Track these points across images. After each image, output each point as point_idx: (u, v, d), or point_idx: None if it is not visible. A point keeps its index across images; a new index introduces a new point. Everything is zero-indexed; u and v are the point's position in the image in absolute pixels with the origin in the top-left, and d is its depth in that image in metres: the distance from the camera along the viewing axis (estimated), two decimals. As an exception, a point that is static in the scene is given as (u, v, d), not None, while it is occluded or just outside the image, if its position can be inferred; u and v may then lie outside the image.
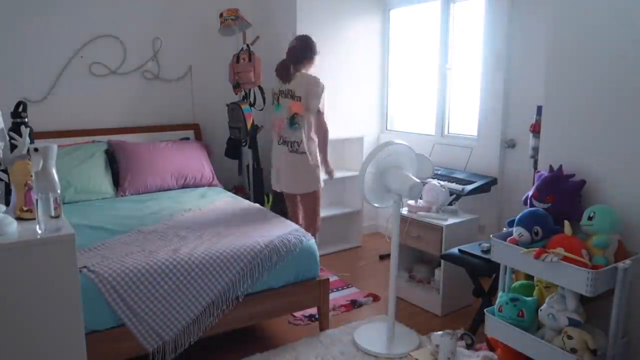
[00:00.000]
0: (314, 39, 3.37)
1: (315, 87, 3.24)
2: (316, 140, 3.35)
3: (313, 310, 3.03)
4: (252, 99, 4.19)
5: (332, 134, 4.43)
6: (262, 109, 4.15)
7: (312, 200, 3.40)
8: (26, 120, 2.00)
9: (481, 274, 2.67)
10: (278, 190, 3.51)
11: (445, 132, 4.11)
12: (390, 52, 4.59)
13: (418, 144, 3.77)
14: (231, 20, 3.93)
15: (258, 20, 4.59)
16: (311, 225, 3.41)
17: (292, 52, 3.33)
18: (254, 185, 4.23)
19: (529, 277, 2.32)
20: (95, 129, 3.98)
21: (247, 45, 4.00)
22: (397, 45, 4.54)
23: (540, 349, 2.04)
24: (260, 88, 4.13)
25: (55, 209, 1.65)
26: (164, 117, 4.31)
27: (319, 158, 3.37)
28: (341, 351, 2.68)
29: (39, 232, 1.65)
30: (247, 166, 4.28)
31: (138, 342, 2.29)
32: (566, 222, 2.04)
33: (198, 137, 4.39)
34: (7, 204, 1.86)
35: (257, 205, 3.50)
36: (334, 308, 3.17)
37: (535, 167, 2.96)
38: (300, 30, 4.11)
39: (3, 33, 3.61)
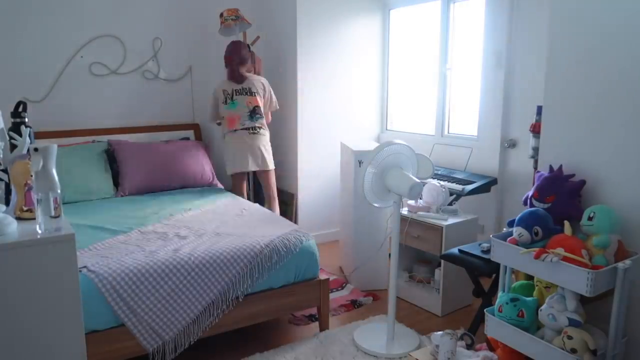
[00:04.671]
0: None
1: (269, 87, 3.90)
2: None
3: (313, 310, 3.04)
4: None
5: (332, 134, 4.44)
6: None
7: (271, 177, 3.89)
8: (26, 120, 2.00)
9: (481, 274, 2.67)
10: (238, 171, 3.83)
11: (445, 132, 4.11)
12: (390, 52, 4.59)
13: (418, 144, 3.77)
14: (231, 21, 3.94)
15: (258, 20, 4.59)
16: (272, 201, 3.93)
17: (235, 59, 3.77)
18: (254, 184, 4.24)
19: (529, 277, 2.32)
20: (95, 129, 3.98)
21: (248, 46, 4.00)
22: (397, 45, 4.54)
23: (540, 349, 2.04)
24: None
25: (55, 209, 1.65)
26: (164, 117, 4.31)
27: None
28: (341, 351, 2.69)
29: (39, 232, 1.64)
30: None
31: (138, 342, 2.29)
32: (566, 222, 2.04)
33: (198, 137, 4.39)
34: (7, 204, 1.86)
35: (257, 205, 3.50)
36: (334, 308, 3.17)
37: (535, 167, 2.96)
38: (300, 30, 4.12)
39: (3, 33, 3.62)
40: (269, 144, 3.88)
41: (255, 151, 3.78)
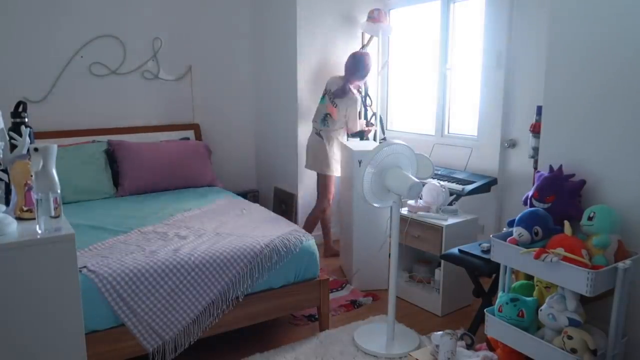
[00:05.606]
0: (366, 58, 3.87)
1: (353, 105, 3.86)
2: (338, 139, 3.92)
3: (313, 310, 3.04)
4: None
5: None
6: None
7: (324, 182, 3.95)
8: (26, 120, 2.00)
9: (481, 274, 2.67)
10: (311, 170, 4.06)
11: (445, 132, 4.11)
12: (390, 52, 4.59)
13: (418, 144, 3.77)
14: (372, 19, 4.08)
15: (257, 21, 4.60)
16: (321, 202, 3.99)
17: (345, 68, 3.92)
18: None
19: (529, 277, 2.32)
20: (95, 129, 3.98)
21: (362, 46, 4.19)
22: (397, 45, 4.54)
23: (540, 349, 2.04)
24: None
25: (55, 209, 1.65)
26: (164, 117, 4.31)
27: (335, 153, 3.91)
28: (341, 351, 2.69)
29: (39, 232, 1.64)
30: None
31: (138, 342, 2.29)
32: (566, 222, 2.04)
33: (198, 137, 4.39)
34: (7, 204, 1.86)
35: (257, 205, 3.50)
36: (333, 308, 3.17)
37: (535, 167, 2.96)
38: (300, 30, 4.12)
39: (3, 33, 3.62)
40: (332, 150, 3.90)
41: (314, 152, 3.94)
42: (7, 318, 1.61)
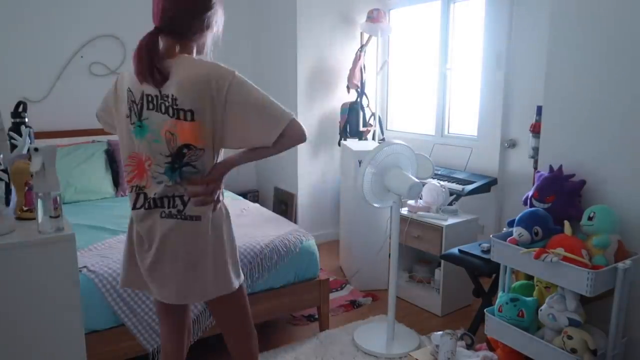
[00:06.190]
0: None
1: (234, 83, 1.54)
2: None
3: (313, 310, 3.04)
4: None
5: (332, 134, 4.37)
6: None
7: (236, 305, 1.72)
8: (26, 120, 2.00)
9: (481, 274, 2.67)
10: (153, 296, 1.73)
11: (445, 132, 4.11)
12: (390, 52, 4.59)
13: (418, 144, 3.77)
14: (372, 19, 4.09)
15: (257, 21, 4.60)
16: (243, 346, 1.77)
17: (163, 18, 1.66)
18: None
19: (529, 277, 2.32)
20: (95, 129, 3.97)
21: (361, 46, 4.18)
22: (397, 45, 4.54)
23: (540, 349, 2.04)
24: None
25: (55, 208, 1.65)
26: (164, 117, 4.30)
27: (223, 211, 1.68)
28: (341, 351, 2.68)
29: (39, 232, 1.65)
30: None
31: (138, 342, 2.29)
32: (566, 222, 2.04)
33: (198, 137, 4.38)
34: (7, 204, 1.86)
35: (257, 205, 3.50)
36: (332, 308, 3.17)
37: (535, 167, 2.96)
38: (300, 32, 4.11)
39: (3, 33, 3.62)
40: (228, 233, 1.67)
41: (167, 257, 1.61)
42: (7, 318, 1.61)
